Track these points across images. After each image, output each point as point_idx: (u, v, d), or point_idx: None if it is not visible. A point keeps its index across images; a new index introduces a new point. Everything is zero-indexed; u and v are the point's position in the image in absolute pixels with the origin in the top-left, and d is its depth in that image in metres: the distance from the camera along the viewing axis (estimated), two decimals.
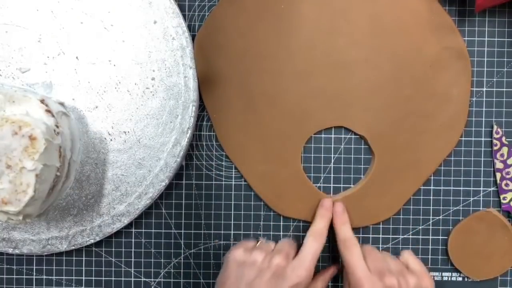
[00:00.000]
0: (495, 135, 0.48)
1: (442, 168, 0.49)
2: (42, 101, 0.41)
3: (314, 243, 0.44)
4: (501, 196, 0.48)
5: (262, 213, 0.50)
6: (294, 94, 0.47)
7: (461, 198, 0.49)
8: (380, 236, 0.50)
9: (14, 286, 0.50)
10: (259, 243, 0.47)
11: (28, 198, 0.38)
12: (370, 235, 0.49)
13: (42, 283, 0.50)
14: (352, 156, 0.49)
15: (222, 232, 0.50)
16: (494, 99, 0.49)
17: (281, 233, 0.50)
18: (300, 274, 0.42)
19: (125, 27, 0.46)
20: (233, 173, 0.50)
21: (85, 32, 0.46)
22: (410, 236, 0.50)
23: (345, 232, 0.46)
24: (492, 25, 0.48)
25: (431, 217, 0.49)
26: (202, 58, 0.48)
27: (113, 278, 0.50)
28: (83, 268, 0.50)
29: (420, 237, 0.50)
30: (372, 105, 0.47)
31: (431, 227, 0.49)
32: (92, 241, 0.48)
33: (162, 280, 0.50)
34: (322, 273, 0.48)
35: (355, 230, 0.49)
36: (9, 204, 0.38)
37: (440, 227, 0.49)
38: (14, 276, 0.50)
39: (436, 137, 0.48)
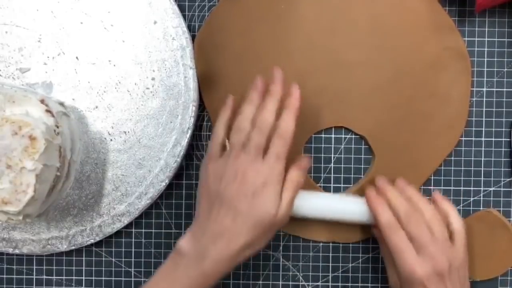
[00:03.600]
0: None
1: (442, 168, 0.49)
2: (42, 101, 0.41)
3: (279, 141, 0.41)
4: None
5: None
6: None
7: (461, 198, 0.49)
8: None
9: (14, 286, 0.50)
10: (227, 147, 0.43)
11: (28, 198, 0.38)
12: (371, 235, 0.49)
13: (42, 283, 0.50)
14: (352, 156, 0.49)
15: None
16: (494, 99, 0.49)
17: (281, 233, 0.50)
18: (263, 173, 0.40)
19: (125, 27, 0.46)
20: None
21: (85, 32, 0.46)
22: None
23: (387, 216, 0.43)
24: (492, 25, 0.48)
25: None
26: (202, 58, 0.48)
27: (113, 278, 0.50)
28: (83, 268, 0.50)
29: None
30: (372, 105, 0.47)
31: None
32: (92, 241, 0.48)
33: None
34: (297, 164, 0.44)
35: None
36: (9, 204, 0.38)
37: None
38: (14, 276, 0.50)
39: (436, 137, 0.48)
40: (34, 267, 0.50)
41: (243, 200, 0.40)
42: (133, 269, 0.50)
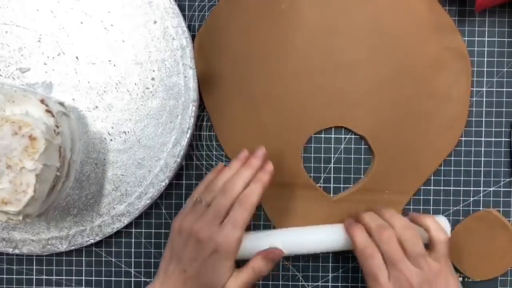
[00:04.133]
0: None
1: (442, 168, 0.49)
2: (42, 101, 0.41)
3: (239, 209, 0.41)
4: None
5: (262, 213, 0.50)
6: (294, 94, 0.47)
7: (461, 198, 0.49)
8: None
9: (14, 286, 0.50)
10: (196, 202, 0.43)
11: (28, 198, 0.38)
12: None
13: (42, 283, 0.50)
14: (352, 156, 0.49)
15: None
16: (494, 99, 0.49)
17: None
18: (216, 241, 0.40)
19: (125, 27, 0.46)
20: None
21: (85, 32, 0.46)
22: None
23: (361, 238, 0.43)
24: (492, 25, 0.48)
25: None
26: (202, 58, 0.48)
27: (113, 278, 0.50)
28: (83, 268, 0.50)
29: None
30: (372, 105, 0.47)
31: None
32: (92, 241, 0.48)
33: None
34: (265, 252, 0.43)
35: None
36: (9, 204, 0.38)
37: None
38: (14, 276, 0.50)
39: (436, 137, 0.48)
40: (34, 267, 0.50)
41: (193, 264, 0.40)
42: (133, 269, 0.50)
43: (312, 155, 0.49)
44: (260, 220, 0.50)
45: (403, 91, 0.47)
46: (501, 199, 0.49)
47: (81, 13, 0.45)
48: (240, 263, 0.42)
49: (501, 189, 0.49)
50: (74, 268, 0.50)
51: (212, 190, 0.42)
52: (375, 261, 0.41)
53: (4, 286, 0.50)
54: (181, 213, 0.43)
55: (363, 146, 0.49)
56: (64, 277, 0.50)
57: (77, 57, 0.46)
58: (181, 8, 0.48)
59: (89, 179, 0.47)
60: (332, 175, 0.49)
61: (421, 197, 0.49)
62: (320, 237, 0.45)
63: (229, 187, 0.42)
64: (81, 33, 0.46)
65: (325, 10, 0.46)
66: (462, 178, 0.49)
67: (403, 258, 0.41)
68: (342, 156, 0.49)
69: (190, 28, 0.49)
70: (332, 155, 0.49)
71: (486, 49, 0.48)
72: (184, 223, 0.42)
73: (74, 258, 0.50)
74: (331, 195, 0.49)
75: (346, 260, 0.50)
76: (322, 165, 0.49)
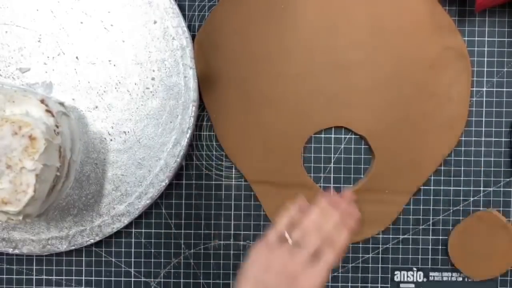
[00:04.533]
0: None
1: (442, 168, 0.49)
2: (42, 101, 0.41)
3: (332, 254, 0.42)
4: None
5: (262, 213, 0.50)
6: (294, 94, 0.47)
7: (461, 198, 0.49)
8: (380, 236, 0.50)
9: (14, 286, 0.50)
10: (286, 241, 0.44)
11: (28, 198, 0.38)
12: (370, 236, 0.49)
13: (42, 283, 0.50)
14: (352, 156, 0.49)
15: (222, 232, 0.50)
16: (494, 99, 0.49)
17: None
18: (312, 282, 0.41)
19: (125, 27, 0.46)
20: (233, 173, 0.50)
21: (85, 32, 0.46)
22: (410, 236, 0.50)
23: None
24: (492, 25, 0.48)
25: (431, 217, 0.49)
26: (202, 58, 0.48)
27: (113, 278, 0.50)
28: (83, 268, 0.50)
29: (420, 237, 0.50)
30: (372, 105, 0.47)
31: (431, 227, 0.49)
32: (92, 241, 0.48)
33: (162, 280, 0.50)
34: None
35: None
36: (9, 204, 0.38)
37: (440, 227, 0.49)
38: (14, 276, 0.50)
39: (436, 137, 0.48)
40: (34, 267, 0.50)
41: None
42: (133, 269, 0.50)
43: (312, 155, 0.49)
44: (260, 220, 0.50)
45: (403, 91, 0.47)
46: (501, 199, 0.49)
47: (81, 13, 0.45)
48: None
49: (501, 189, 0.49)
50: (74, 268, 0.50)
51: (304, 229, 0.43)
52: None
53: (4, 286, 0.50)
54: (267, 243, 0.43)
55: (363, 146, 0.49)
56: (64, 277, 0.50)
57: (77, 57, 0.46)
58: (181, 8, 0.48)
59: (89, 179, 0.47)
60: (332, 175, 0.49)
61: (421, 197, 0.49)
62: None
63: (323, 231, 0.43)
64: (81, 33, 0.46)
65: (325, 10, 0.46)
66: (462, 178, 0.49)
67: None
68: (342, 156, 0.49)
69: (190, 28, 0.49)
70: (332, 155, 0.49)
71: (486, 49, 0.48)
72: (276, 259, 0.42)
73: (74, 258, 0.50)
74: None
75: (346, 260, 0.50)
76: (322, 165, 0.49)
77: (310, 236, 0.43)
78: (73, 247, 0.48)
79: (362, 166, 0.49)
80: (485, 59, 0.48)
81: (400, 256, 0.50)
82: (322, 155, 0.49)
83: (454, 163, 0.49)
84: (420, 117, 0.47)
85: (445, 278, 0.50)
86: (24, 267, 0.50)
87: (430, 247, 0.50)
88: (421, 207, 0.49)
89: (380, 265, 0.50)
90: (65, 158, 0.43)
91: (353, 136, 0.49)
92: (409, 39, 0.46)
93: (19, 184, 0.38)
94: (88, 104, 0.46)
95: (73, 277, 0.50)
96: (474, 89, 0.49)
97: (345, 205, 0.45)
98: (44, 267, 0.50)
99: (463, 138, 0.49)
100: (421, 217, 0.49)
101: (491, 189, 0.49)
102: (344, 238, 0.43)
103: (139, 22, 0.46)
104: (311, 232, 0.43)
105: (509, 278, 0.49)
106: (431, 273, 0.50)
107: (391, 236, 0.50)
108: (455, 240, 0.49)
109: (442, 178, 0.49)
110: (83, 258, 0.50)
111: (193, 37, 0.48)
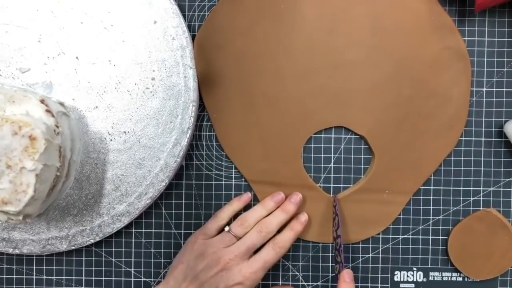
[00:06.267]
0: None
1: (442, 168, 0.49)
2: (42, 101, 0.41)
3: (271, 251, 0.44)
4: None
5: None
6: (294, 94, 0.47)
7: (461, 198, 0.49)
8: (380, 236, 0.50)
9: (14, 286, 0.50)
10: (224, 231, 0.46)
11: (28, 198, 0.38)
12: (370, 236, 0.49)
13: (42, 283, 0.50)
14: (352, 156, 0.49)
15: None
16: (494, 99, 0.49)
17: None
18: (244, 274, 0.43)
19: (125, 27, 0.46)
20: (233, 173, 0.50)
21: (85, 32, 0.46)
22: (410, 236, 0.50)
23: None
24: (492, 25, 0.48)
25: (431, 217, 0.49)
26: (202, 58, 0.48)
27: (113, 278, 0.50)
28: (83, 268, 0.50)
29: (420, 237, 0.50)
30: (372, 105, 0.47)
31: (431, 227, 0.49)
32: (92, 241, 0.48)
33: (162, 280, 0.50)
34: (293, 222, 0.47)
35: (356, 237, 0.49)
36: (9, 204, 0.38)
37: (440, 227, 0.49)
38: (14, 276, 0.50)
39: (436, 137, 0.48)
40: (34, 267, 0.50)
41: None
42: (133, 269, 0.50)
43: (312, 155, 0.49)
44: None
45: (403, 91, 0.47)
46: (501, 199, 0.49)
47: (81, 13, 0.45)
48: None
49: (501, 189, 0.49)
50: (74, 268, 0.50)
51: (244, 224, 0.45)
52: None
53: (4, 286, 0.50)
54: (205, 232, 0.46)
55: (363, 146, 0.49)
56: (64, 277, 0.50)
57: (77, 57, 0.46)
58: (181, 8, 0.48)
59: (89, 179, 0.47)
60: (332, 175, 0.49)
61: (421, 197, 0.49)
62: None
63: (264, 228, 0.45)
64: (81, 33, 0.46)
65: (325, 10, 0.46)
66: (462, 178, 0.49)
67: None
68: (342, 156, 0.49)
69: (190, 28, 0.49)
70: (332, 155, 0.49)
71: (486, 49, 0.48)
72: (210, 248, 0.44)
73: (74, 258, 0.50)
74: (331, 195, 0.49)
75: (346, 260, 0.50)
76: (322, 165, 0.49)
77: (252, 234, 0.44)
78: (73, 247, 0.48)
79: (362, 166, 0.49)
80: (485, 59, 0.48)
81: (400, 256, 0.50)
82: (322, 155, 0.49)
83: (454, 163, 0.49)
84: (420, 117, 0.47)
85: (445, 278, 0.50)
86: (24, 267, 0.50)
87: (430, 247, 0.50)
88: (421, 207, 0.49)
89: (380, 265, 0.50)
90: (65, 158, 0.43)
91: (353, 136, 0.49)
92: (409, 39, 0.46)
93: (19, 184, 0.38)
94: (88, 104, 0.46)
95: (73, 277, 0.50)
96: (474, 89, 0.49)
97: (292, 207, 0.46)
98: (44, 267, 0.50)
99: (463, 138, 0.49)
100: (421, 217, 0.49)
101: (491, 189, 0.49)
102: (288, 239, 0.45)
103: (139, 22, 0.46)
104: (253, 230, 0.45)
105: (509, 278, 0.49)
106: (431, 273, 0.50)
107: (391, 236, 0.50)
108: (455, 240, 0.49)
109: (442, 178, 0.49)
110: (83, 258, 0.50)
111: (193, 37, 0.48)
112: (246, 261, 0.43)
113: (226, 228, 0.46)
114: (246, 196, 0.48)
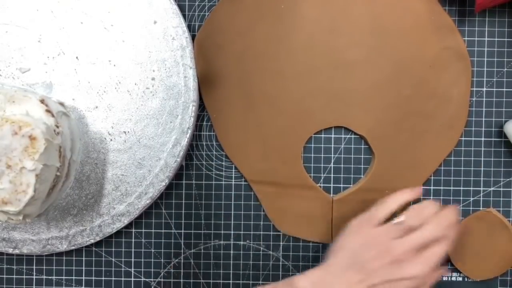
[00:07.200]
0: None
1: (442, 168, 0.49)
2: (42, 101, 0.41)
3: (445, 248, 0.40)
4: None
5: (262, 213, 0.50)
6: (294, 94, 0.47)
7: (461, 198, 0.49)
8: None
9: (14, 286, 0.50)
10: (393, 220, 0.42)
11: (28, 198, 0.38)
12: None
13: (42, 283, 0.50)
14: (352, 156, 0.49)
15: (222, 232, 0.50)
16: (494, 99, 0.49)
17: (281, 232, 0.50)
18: (423, 269, 0.39)
19: (125, 27, 0.46)
20: (233, 173, 0.50)
21: (85, 32, 0.46)
22: None
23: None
24: (492, 25, 0.48)
25: None
26: (202, 58, 0.48)
27: (113, 278, 0.50)
28: (83, 268, 0.50)
29: None
30: (372, 105, 0.47)
31: None
32: (92, 241, 0.48)
33: (162, 280, 0.50)
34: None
35: None
36: (9, 204, 0.38)
37: None
38: (14, 276, 0.50)
39: (436, 137, 0.48)
40: (34, 267, 0.50)
41: (386, 285, 0.39)
42: (133, 269, 0.50)
43: (312, 155, 0.49)
44: (260, 220, 0.50)
45: (403, 91, 0.47)
46: (501, 199, 0.49)
47: (81, 13, 0.45)
48: None
49: (501, 189, 0.49)
50: (74, 268, 0.50)
51: (420, 214, 0.41)
52: None
53: (4, 286, 0.50)
54: (373, 220, 0.41)
55: (363, 146, 0.49)
56: (64, 277, 0.50)
57: (77, 57, 0.46)
58: (181, 8, 0.48)
59: (89, 179, 0.47)
60: (332, 175, 0.49)
61: (421, 197, 0.49)
62: None
63: (444, 220, 0.41)
64: (81, 33, 0.46)
65: (325, 10, 0.46)
66: (462, 178, 0.49)
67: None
68: (342, 156, 0.49)
69: (190, 28, 0.49)
70: (332, 155, 0.49)
71: (486, 49, 0.48)
72: (379, 237, 0.40)
73: (74, 258, 0.50)
74: (331, 195, 0.49)
75: None
76: (322, 165, 0.49)
77: (428, 224, 0.40)
78: (73, 247, 0.48)
79: (362, 166, 0.49)
80: (485, 59, 0.48)
81: None
82: (322, 155, 0.49)
83: (454, 163, 0.49)
84: (420, 117, 0.47)
85: (445, 278, 0.50)
86: (24, 267, 0.50)
87: None
88: None
89: None
90: (65, 158, 0.43)
91: (353, 136, 0.49)
92: (409, 39, 0.46)
93: (19, 184, 0.38)
94: (88, 104, 0.46)
95: (73, 277, 0.50)
96: (474, 89, 0.49)
97: (455, 217, 0.42)
98: (44, 267, 0.50)
99: (463, 138, 0.49)
100: None
101: (491, 189, 0.49)
102: (453, 239, 0.41)
103: (139, 22, 0.46)
104: (428, 220, 0.40)
105: (509, 278, 0.49)
106: None
107: None
108: (455, 240, 0.49)
109: (442, 178, 0.49)
110: (83, 258, 0.50)
111: (193, 37, 0.48)
112: (418, 258, 0.39)
113: (400, 218, 0.42)
114: (419, 189, 0.44)
